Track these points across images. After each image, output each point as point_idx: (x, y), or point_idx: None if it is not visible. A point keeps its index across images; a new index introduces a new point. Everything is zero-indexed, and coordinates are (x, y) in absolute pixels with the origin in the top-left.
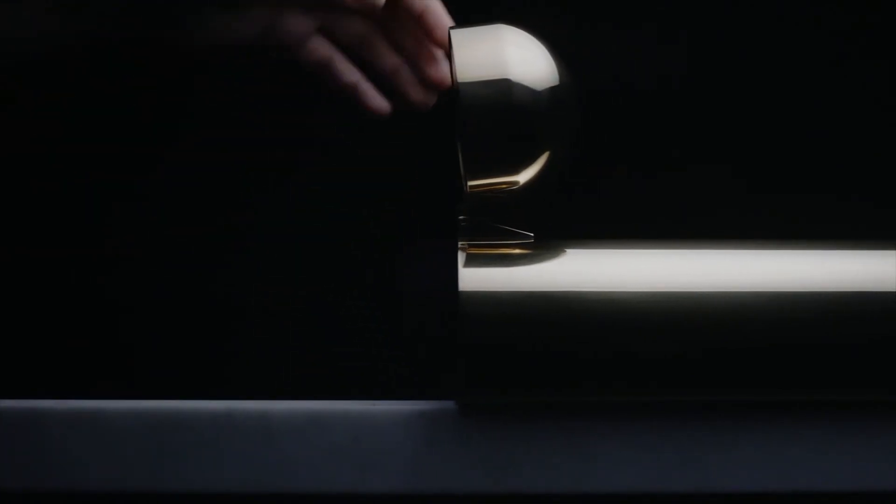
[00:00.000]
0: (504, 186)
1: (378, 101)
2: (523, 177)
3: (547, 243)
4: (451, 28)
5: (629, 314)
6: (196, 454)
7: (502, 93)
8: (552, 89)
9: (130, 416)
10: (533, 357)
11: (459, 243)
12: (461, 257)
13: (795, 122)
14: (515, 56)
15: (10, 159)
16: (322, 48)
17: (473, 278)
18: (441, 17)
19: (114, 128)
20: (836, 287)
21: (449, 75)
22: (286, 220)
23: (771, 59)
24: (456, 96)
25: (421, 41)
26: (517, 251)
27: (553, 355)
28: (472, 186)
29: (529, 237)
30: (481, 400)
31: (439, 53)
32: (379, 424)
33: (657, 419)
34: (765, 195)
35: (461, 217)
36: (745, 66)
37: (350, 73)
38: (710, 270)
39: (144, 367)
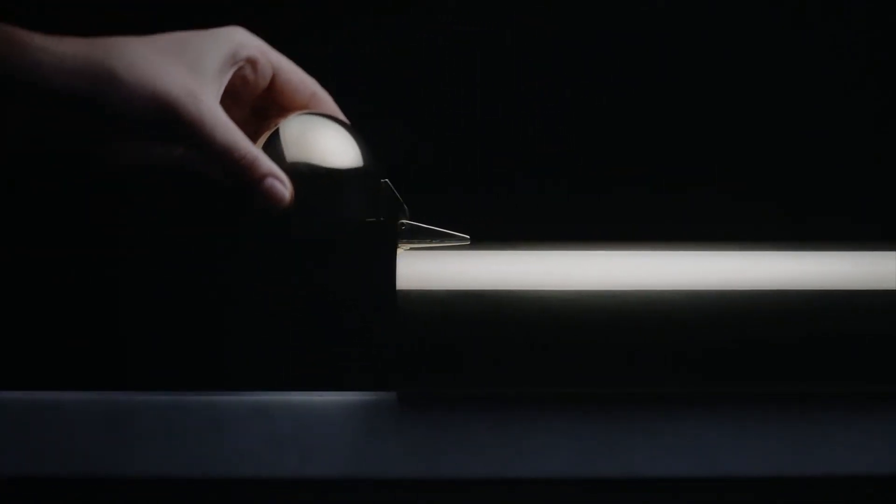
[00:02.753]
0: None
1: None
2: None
3: (481, 245)
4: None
5: (555, 311)
6: (148, 442)
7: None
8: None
9: (89, 406)
10: (466, 351)
11: (399, 245)
12: (399, 258)
13: (774, 125)
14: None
15: (10, 159)
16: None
17: (411, 277)
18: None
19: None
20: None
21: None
22: (248, 224)
23: (765, 59)
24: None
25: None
26: (453, 252)
27: (485, 350)
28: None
29: (466, 239)
30: (419, 391)
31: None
32: (322, 414)
33: (579, 409)
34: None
35: (401, 221)
36: (732, 68)
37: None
38: (630, 271)
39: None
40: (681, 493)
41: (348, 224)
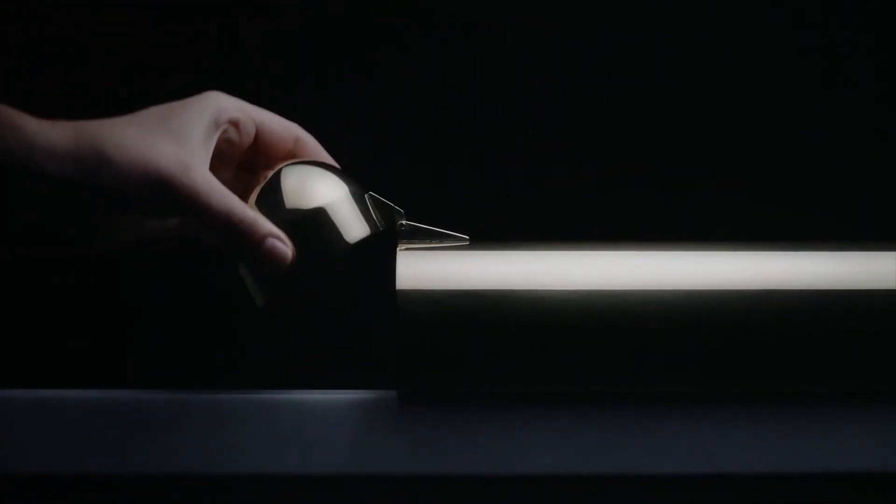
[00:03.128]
0: None
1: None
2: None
3: (481, 244)
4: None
5: (554, 311)
6: (150, 440)
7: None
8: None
9: (92, 404)
10: (465, 350)
11: (398, 245)
12: (399, 258)
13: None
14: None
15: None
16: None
17: (410, 277)
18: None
19: None
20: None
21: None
22: None
23: (763, 61)
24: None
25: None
26: (453, 252)
27: (484, 349)
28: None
29: (465, 239)
30: (419, 390)
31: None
32: (323, 412)
33: (577, 408)
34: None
35: (401, 222)
36: (732, 69)
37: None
38: (630, 271)
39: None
40: (680, 490)
41: (350, 250)
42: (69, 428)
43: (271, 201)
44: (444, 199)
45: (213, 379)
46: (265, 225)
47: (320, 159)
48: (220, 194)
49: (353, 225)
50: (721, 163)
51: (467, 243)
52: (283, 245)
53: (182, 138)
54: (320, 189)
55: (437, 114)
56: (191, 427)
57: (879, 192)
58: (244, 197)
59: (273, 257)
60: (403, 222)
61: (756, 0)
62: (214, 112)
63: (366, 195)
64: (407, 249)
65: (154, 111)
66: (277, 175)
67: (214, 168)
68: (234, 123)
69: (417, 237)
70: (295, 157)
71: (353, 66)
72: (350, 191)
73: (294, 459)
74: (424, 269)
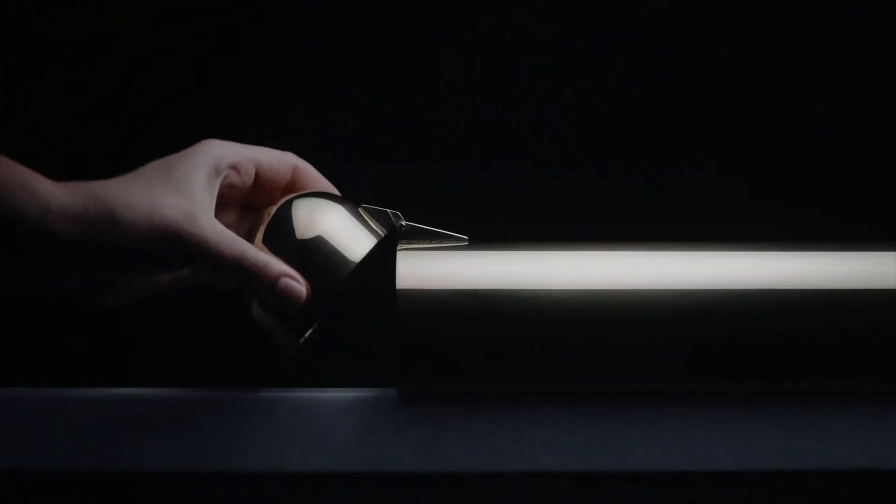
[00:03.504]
0: None
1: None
2: None
3: (480, 244)
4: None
5: (553, 311)
6: (152, 437)
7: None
8: None
9: (94, 402)
10: (464, 349)
11: (398, 245)
12: (399, 258)
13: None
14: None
15: (12, 158)
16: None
17: (410, 277)
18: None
19: (112, 125)
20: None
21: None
22: None
23: (763, 60)
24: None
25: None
26: (452, 252)
27: (483, 348)
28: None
29: (464, 240)
30: (419, 388)
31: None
32: (324, 410)
33: (576, 406)
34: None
35: (401, 223)
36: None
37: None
38: (630, 271)
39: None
40: (680, 487)
41: (359, 267)
42: (70, 426)
43: (277, 238)
44: (444, 199)
45: (213, 377)
46: (277, 265)
47: (317, 184)
48: (230, 240)
49: (356, 243)
50: (721, 163)
51: (467, 243)
52: (297, 283)
53: (185, 189)
54: (320, 217)
55: (437, 114)
56: (191, 425)
57: (879, 192)
58: (250, 236)
59: (288, 296)
60: (403, 223)
61: (756, 0)
62: (214, 160)
63: (359, 208)
64: (407, 249)
65: (155, 166)
66: (279, 211)
67: (219, 212)
68: (235, 167)
69: (417, 237)
70: (294, 185)
71: (352, 67)
72: (346, 209)
73: (294, 457)
74: (424, 268)
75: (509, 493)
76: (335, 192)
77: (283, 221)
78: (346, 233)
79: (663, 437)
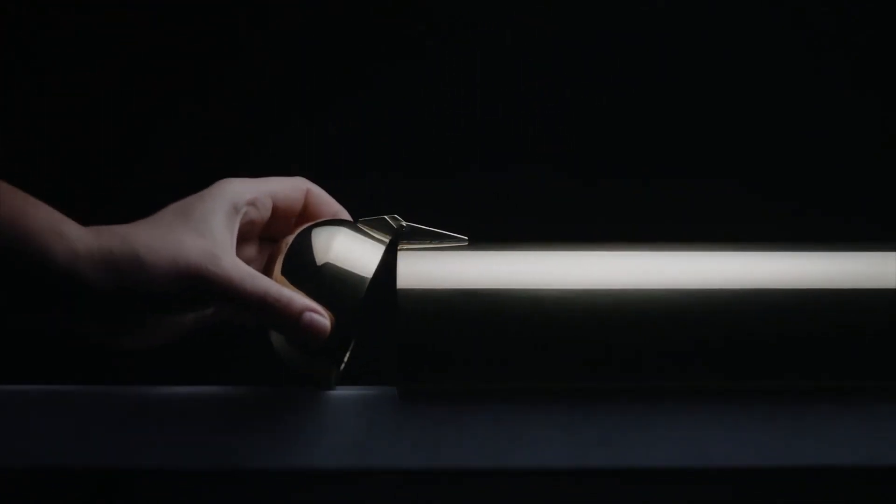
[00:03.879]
0: None
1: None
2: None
3: (480, 244)
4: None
5: (553, 310)
6: (154, 435)
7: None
8: None
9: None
10: (465, 349)
11: (399, 245)
12: (399, 257)
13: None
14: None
15: (12, 158)
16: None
17: (410, 277)
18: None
19: (112, 125)
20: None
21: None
22: None
23: (764, 60)
24: None
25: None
26: (453, 252)
27: (483, 347)
28: None
29: (464, 240)
30: (420, 387)
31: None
32: (325, 409)
33: (576, 404)
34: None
35: (401, 224)
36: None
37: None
38: (629, 271)
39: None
40: (679, 485)
41: (373, 283)
42: (70, 423)
43: (295, 270)
44: (444, 199)
45: (213, 374)
46: (300, 300)
47: (328, 206)
48: (253, 278)
49: (365, 259)
50: (721, 162)
51: (467, 243)
52: (321, 317)
53: (205, 230)
54: (329, 243)
55: (437, 114)
56: (191, 423)
57: (879, 192)
58: (268, 269)
59: (312, 330)
60: (403, 223)
61: (756, 0)
62: (232, 199)
63: (357, 223)
64: (407, 249)
65: (173, 209)
66: (295, 242)
67: (240, 248)
68: (253, 204)
69: (417, 237)
70: (307, 209)
71: (352, 67)
72: (348, 229)
73: (295, 456)
74: (424, 268)
75: (509, 491)
76: (345, 213)
77: (299, 251)
78: (355, 252)
79: (663, 434)
